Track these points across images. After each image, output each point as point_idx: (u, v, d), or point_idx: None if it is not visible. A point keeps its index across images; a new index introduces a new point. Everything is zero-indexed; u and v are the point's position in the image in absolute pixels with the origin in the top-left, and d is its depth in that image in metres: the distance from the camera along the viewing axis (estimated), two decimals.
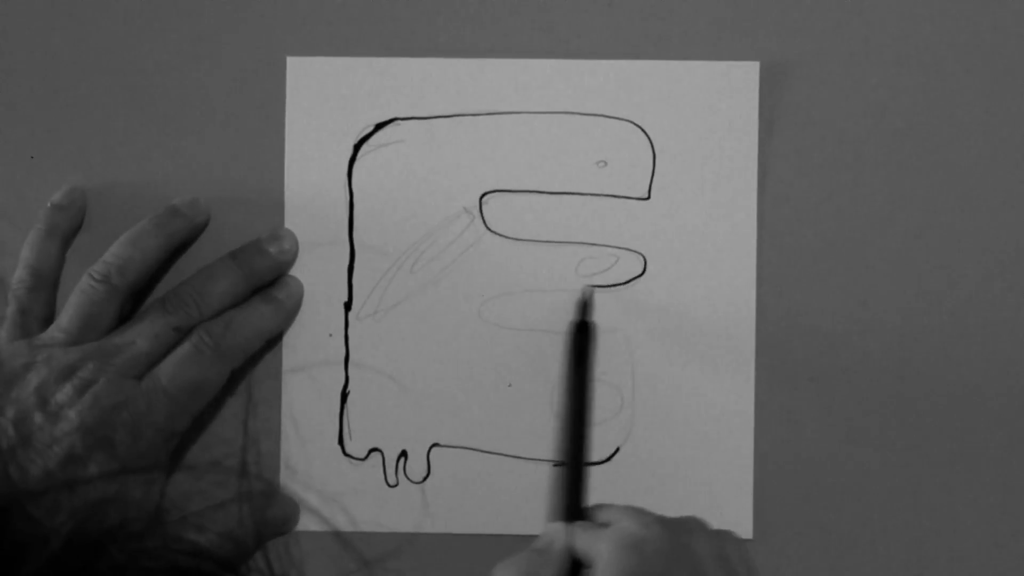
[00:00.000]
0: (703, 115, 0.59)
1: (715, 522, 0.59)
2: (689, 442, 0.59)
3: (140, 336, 0.55)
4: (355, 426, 0.59)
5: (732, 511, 0.59)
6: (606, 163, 0.59)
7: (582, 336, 0.58)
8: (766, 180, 0.59)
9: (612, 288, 0.59)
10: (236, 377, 0.58)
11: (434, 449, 0.59)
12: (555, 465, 0.59)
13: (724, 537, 0.52)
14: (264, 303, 0.58)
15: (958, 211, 0.59)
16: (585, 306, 0.58)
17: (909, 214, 0.59)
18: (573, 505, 0.56)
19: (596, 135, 0.59)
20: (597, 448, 0.59)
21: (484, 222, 0.59)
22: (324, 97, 0.59)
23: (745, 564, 0.52)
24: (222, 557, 0.52)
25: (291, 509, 0.58)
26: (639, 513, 0.53)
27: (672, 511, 0.56)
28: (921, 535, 0.59)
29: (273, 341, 0.59)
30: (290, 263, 0.59)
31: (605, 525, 0.53)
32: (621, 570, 0.50)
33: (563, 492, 0.57)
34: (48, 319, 0.57)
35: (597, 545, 0.51)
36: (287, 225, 0.59)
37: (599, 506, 0.55)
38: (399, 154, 0.59)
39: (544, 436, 0.59)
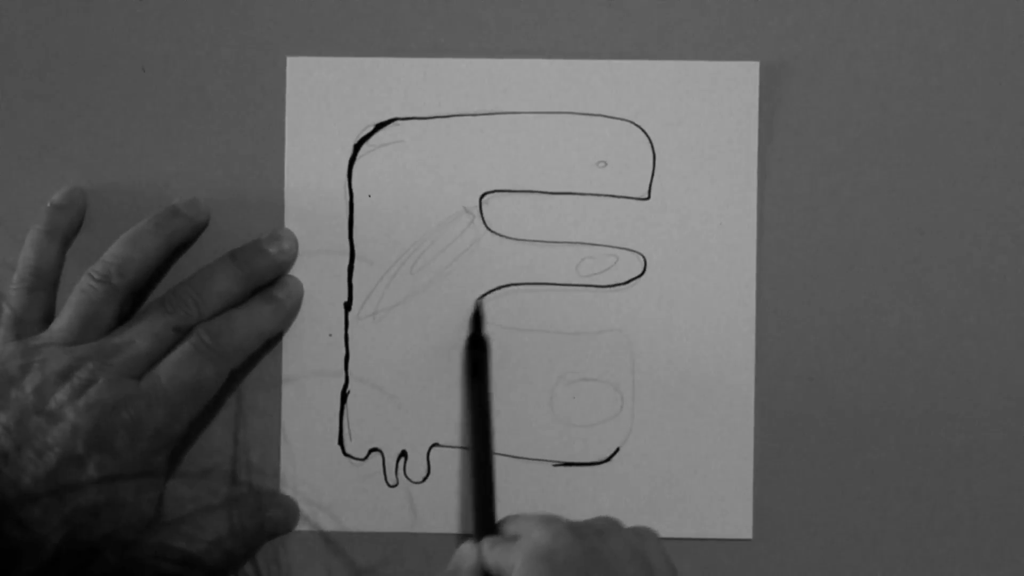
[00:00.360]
0: (703, 115, 0.59)
1: (715, 522, 0.59)
2: (689, 442, 0.59)
3: (139, 336, 0.55)
4: (355, 426, 0.59)
5: (732, 511, 0.59)
6: (606, 163, 0.59)
7: (477, 350, 0.58)
8: (766, 180, 0.59)
9: (612, 288, 0.59)
10: (235, 379, 0.58)
11: (434, 449, 0.59)
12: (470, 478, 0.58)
13: (641, 534, 0.52)
14: (264, 303, 0.58)
15: (958, 210, 0.59)
16: (478, 319, 0.58)
17: (909, 213, 0.59)
18: (483, 522, 0.56)
19: (596, 135, 0.59)
20: (597, 448, 0.59)
21: (484, 222, 0.59)
22: (324, 97, 0.59)
23: (663, 559, 0.51)
24: (212, 566, 0.52)
25: (291, 509, 0.58)
26: (549, 522, 0.52)
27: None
28: (921, 535, 0.59)
29: (273, 341, 0.59)
30: (290, 263, 0.59)
31: (516, 538, 0.52)
32: None
33: (473, 510, 0.57)
34: (48, 319, 0.57)
35: (508, 559, 0.51)
36: (287, 225, 0.59)
37: (509, 518, 0.55)
38: (399, 154, 0.59)
39: (544, 436, 0.59)
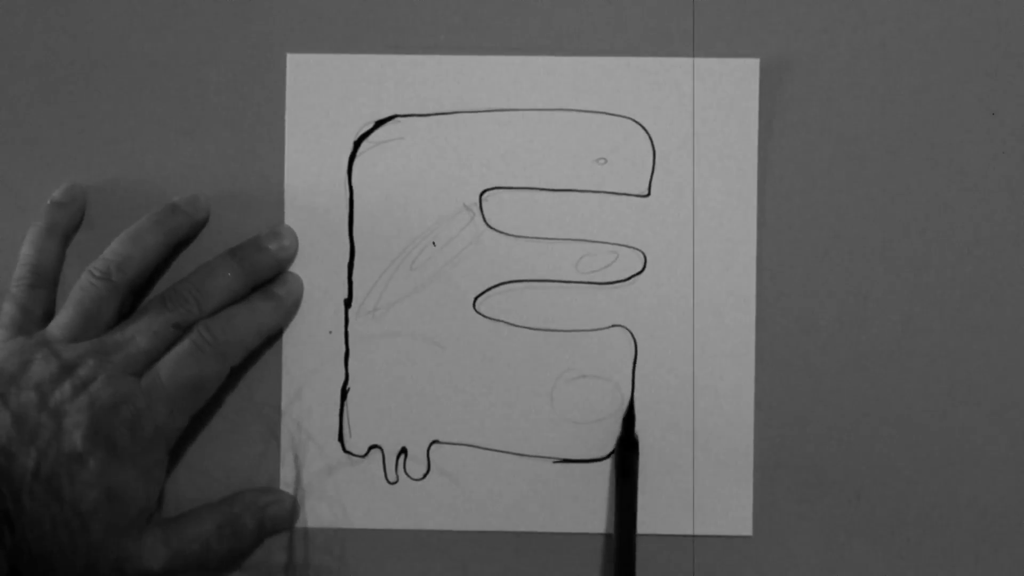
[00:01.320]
0: (703, 112, 0.59)
1: (715, 519, 0.59)
2: (689, 441, 0.59)
3: (140, 333, 0.55)
4: (355, 423, 0.59)
5: (732, 511, 0.59)
6: (606, 160, 0.59)
7: (629, 453, 0.58)
8: (766, 177, 0.59)
9: (612, 285, 0.59)
10: (235, 376, 0.58)
11: (434, 446, 0.59)
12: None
13: None
14: (264, 300, 0.58)
15: (958, 209, 0.59)
16: (630, 420, 0.58)
17: (909, 212, 0.59)
18: None
19: (596, 132, 0.59)
20: (596, 446, 0.59)
21: (484, 219, 0.59)
22: (324, 94, 0.59)
23: None
24: (203, 569, 0.52)
25: (291, 506, 0.59)
26: None
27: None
28: (921, 535, 0.59)
29: (273, 338, 0.59)
30: (290, 260, 0.59)
31: None
32: None
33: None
34: (48, 316, 0.57)
35: None
36: (287, 222, 0.59)
37: None
38: (399, 151, 0.59)
39: (544, 433, 0.59)
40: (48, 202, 0.59)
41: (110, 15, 0.59)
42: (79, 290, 0.56)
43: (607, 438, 0.59)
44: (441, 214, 0.59)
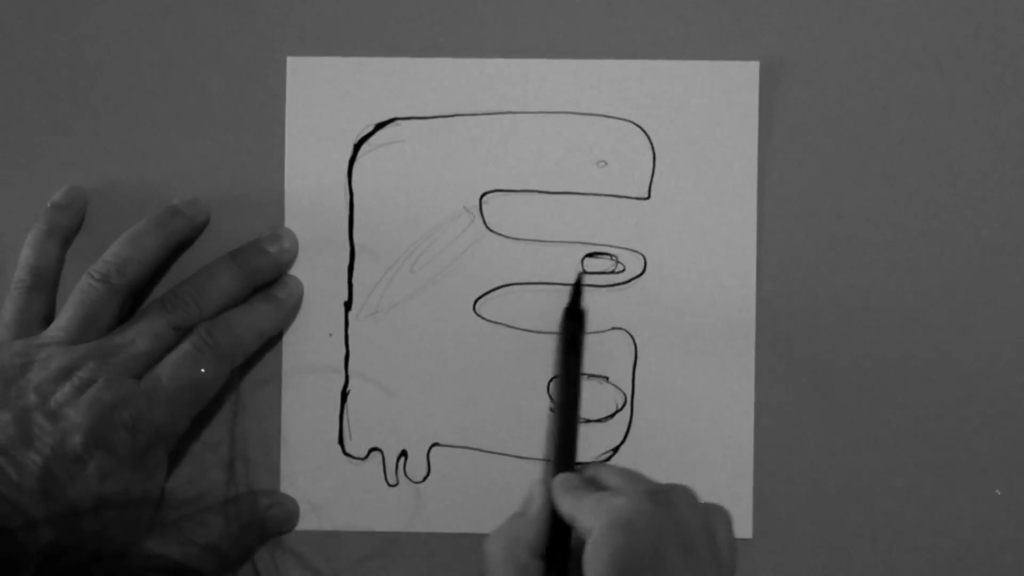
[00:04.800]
0: (703, 115, 0.59)
1: None
2: (689, 442, 0.59)
3: (140, 335, 0.55)
4: (355, 426, 0.59)
5: (732, 510, 0.58)
6: (606, 163, 0.59)
7: (574, 322, 0.58)
8: (766, 180, 0.59)
9: (612, 288, 0.59)
10: (235, 378, 0.58)
11: (434, 449, 0.59)
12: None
13: (712, 512, 0.53)
14: (264, 303, 0.58)
15: (958, 209, 0.59)
16: (577, 291, 0.58)
17: (909, 213, 0.59)
18: (561, 463, 0.56)
19: (596, 135, 0.59)
20: (597, 448, 0.59)
21: (484, 222, 0.59)
22: (324, 97, 0.59)
23: (730, 541, 0.53)
24: (208, 568, 0.52)
25: (291, 508, 0.58)
26: (630, 483, 0.53)
27: None
28: (921, 535, 0.59)
29: (273, 340, 0.59)
30: (290, 263, 0.59)
31: (592, 485, 0.53)
32: (612, 549, 0.50)
33: (553, 451, 0.57)
34: (48, 318, 0.57)
35: (583, 517, 0.52)
36: (287, 225, 0.59)
37: (590, 464, 0.56)
38: (399, 154, 0.59)
39: (544, 435, 0.59)
40: (48, 204, 0.59)
41: (111, 17, 0.59)
42: (79, 292, 0.56)
43: (607, 440, 0.59)
44: (441, 217, 0.59)
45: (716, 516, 0.53)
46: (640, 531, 0.50)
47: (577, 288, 0.58)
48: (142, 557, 0.43)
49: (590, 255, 0.59)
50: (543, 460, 0.59)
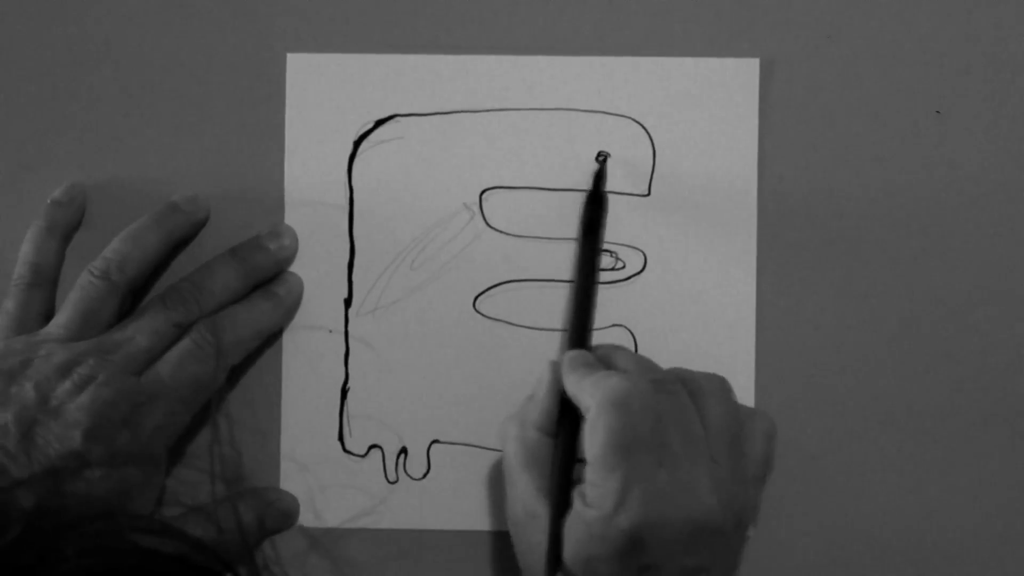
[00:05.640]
0: (703, 112, 0.59)
1: None
2: None
3: (140, 332, 0.55)
4: (355, 423, 0.59)
5: None
6: (606, 159, 0.59)
7: (595, 206, 0.58)
8: (766, 176, 0.59)
9: (612, 285, 0.59)
10: (235, 375, 0.58)
11: (434, 446, 0.59)
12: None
13: (749, 414, 0.52)
14: (264, 299, 0.58)
15: (958, 208, 0.59)
16: (600, 177, 0.58)
17: (909, 211, 0.59)
18: (576, 340, 0.56)
19: (596, 132, 0.59)
20: None
21: (484, 218, 0.59)
22: (324, 93, 0.59)
23: (762, 448, 0.51)
24: (203, 561, 0.52)
25: (291, 506, 0.58)
26: (637, 364, 0.52)
27: None
28: (921, 535, 0.59)
29: (273, 337, 0.59)
30: (290, 259, 0.59)
31: (601, 365, 0.53)
32: (607, 428, 0.49)
33: (569, 329, 0.57)
34: (48, 315, 0.57)
35: (583, 397, 0.51)
36: (287, 221, 0.59)
37: (602, 345, 0.56)
38: (399, 150, 0.59)
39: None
40: (48, 201, 0.59)
41: (110, 15, 0.59)
42: (79, 289, 0.56)
43: None
44: (441, 213, 0.59)
45: (753, 419, 0.52)
46: (636, 412, 0.49)
47: (599, 174, 0.58)
48: (129, 518, 0.43)
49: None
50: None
